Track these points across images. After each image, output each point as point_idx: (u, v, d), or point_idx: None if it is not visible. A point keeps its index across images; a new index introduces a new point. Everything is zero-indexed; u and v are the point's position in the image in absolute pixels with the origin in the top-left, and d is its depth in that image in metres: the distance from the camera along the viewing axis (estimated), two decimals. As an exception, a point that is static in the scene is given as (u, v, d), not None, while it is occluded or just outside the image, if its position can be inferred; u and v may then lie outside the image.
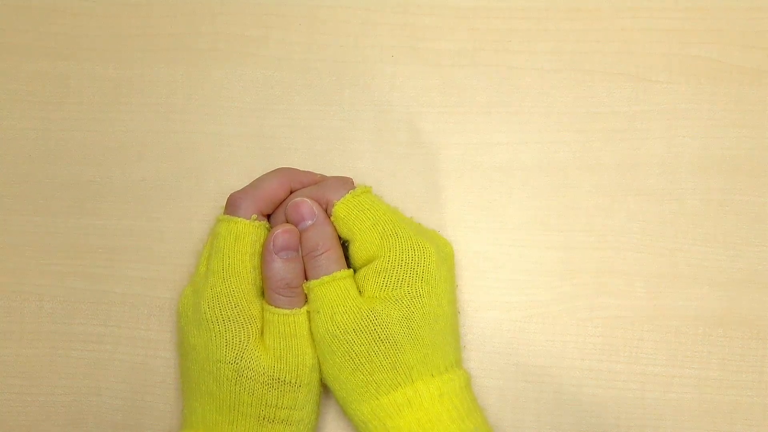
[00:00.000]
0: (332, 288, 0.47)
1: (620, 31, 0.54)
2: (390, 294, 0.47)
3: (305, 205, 0.48)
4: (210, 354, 0.47)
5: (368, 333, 0.46)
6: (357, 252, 0.49)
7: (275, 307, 0.48)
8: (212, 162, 0.54)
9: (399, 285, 0.47)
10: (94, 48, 0.55)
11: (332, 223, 0.49)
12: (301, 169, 0.51)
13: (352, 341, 0.47)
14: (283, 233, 0.48)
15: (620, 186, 0.53)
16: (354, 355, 0.47)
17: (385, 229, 0.48)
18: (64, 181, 0.54)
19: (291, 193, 0.50)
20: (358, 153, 0.54)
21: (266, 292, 0.48)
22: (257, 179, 0.50)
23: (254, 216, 0.48)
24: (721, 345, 0.52)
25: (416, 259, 0.47)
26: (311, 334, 0.48)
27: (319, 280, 0.47)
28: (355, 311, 0.47)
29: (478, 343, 0.52)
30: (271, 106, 0.54)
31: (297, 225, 0.48)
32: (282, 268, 0.48)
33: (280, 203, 0.50)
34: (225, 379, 0.47)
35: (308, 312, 0.48)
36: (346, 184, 0.49)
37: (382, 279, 0.47)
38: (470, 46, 0.54)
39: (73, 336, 0.53)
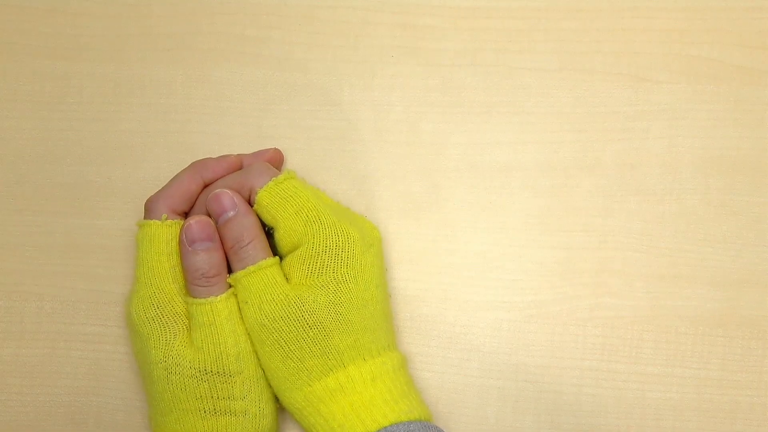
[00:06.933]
0: (258, 277, 0.47)
1: (620, 31, 0.54)
2: (315, 280, 0.47)
3: (225, 197, 0.48)
4: (144, 358, 0.48)
5: (296, 320, 0.46)
6: (282, 239, 0.48)
7: (193, 298, 0.48)
8: (212, 162, 0.54)
9: (324, 271, 0.47)
10: (94, 48, 0.55)
11: (254, 211, 0.49)
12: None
13: (281, 329, 0.47)
14: (194, 224, 0.48)
15: (620, 186, 0.53)
16: (284, 342, 0.47)
17: (309, 216, 0.48)
18: (64, 181, 0.54)
19: (205, 186, 0.50)
20: (358, 153, 0.54)
21: (187, 285, 0.48)
22: (171, 179, 0.50)
23: (164, 216, 0.48)
24: (721, 345, 0.52)
25: (340, 244, 0.47)
26: (242, 324, 0.48)
27: (245, 271, 0.47)
28: (282, 299, 0.47)
29: (478, 343, 0.52)
30: (271, 106, 0.54)
31: (218, 217, 0.48)
32: (196, 259, 0.47)
33: (197, 198, 0.50)
34: (158, 379, 0.47)
35: (238, 303, 0.48)
36: (269, 170, 0.49)
37: (307, 266, 0.47)
38: (470, 46, 0.54)
39: (73, 336, 0.53)
